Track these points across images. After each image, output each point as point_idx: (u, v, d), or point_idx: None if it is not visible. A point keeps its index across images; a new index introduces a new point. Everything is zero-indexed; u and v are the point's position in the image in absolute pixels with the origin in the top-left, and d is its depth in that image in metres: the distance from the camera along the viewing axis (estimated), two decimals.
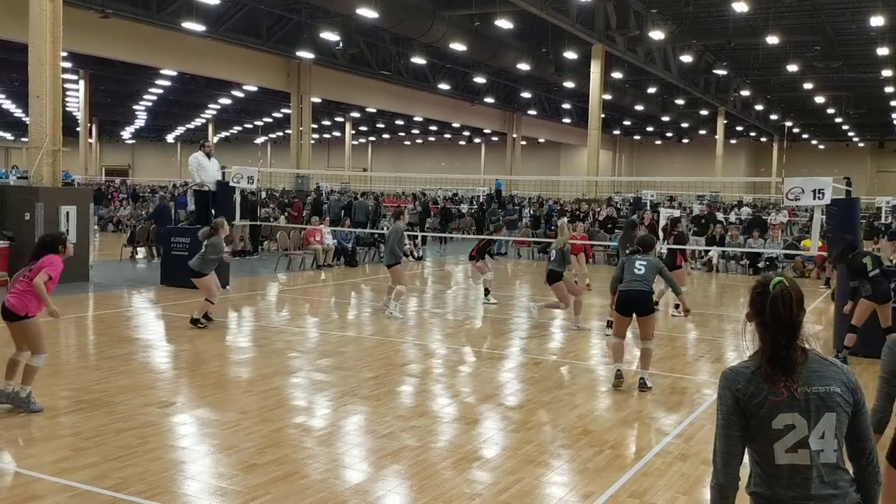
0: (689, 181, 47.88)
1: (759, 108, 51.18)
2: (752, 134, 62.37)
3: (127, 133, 71.78)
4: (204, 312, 11.19)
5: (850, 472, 2.67)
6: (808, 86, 40.77)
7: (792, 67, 34.65)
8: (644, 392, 8.33)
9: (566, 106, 51.44)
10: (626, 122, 59.99)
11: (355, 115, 55.35)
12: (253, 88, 40.62)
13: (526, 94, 46.92)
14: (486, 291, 14.74)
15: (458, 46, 29.00)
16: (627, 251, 9.38)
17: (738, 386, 2.63)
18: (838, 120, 52.10)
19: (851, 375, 2.68)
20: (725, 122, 51.12)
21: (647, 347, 8.64)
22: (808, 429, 2.57)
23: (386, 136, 70.52)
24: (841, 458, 2.62)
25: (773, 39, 29.14)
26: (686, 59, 34.55)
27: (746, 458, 2.70)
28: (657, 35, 29.68)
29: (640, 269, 8.44)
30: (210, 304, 11.21)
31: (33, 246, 7.16)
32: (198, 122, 61.75)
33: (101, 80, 42.45)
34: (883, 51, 29.55)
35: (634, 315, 8.52)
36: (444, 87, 40.32)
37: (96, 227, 21.92)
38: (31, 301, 6.76)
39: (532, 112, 51.49)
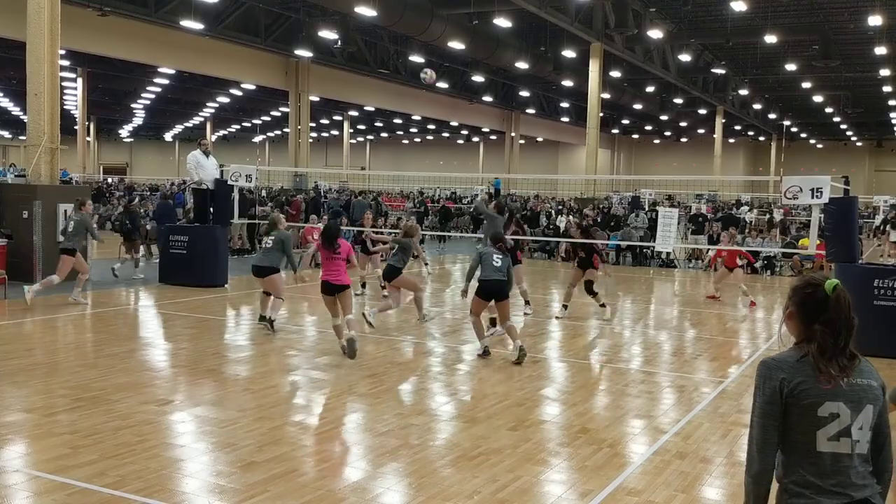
0: (688, 180, 47.92)
1: (757, 107, 51.21)
2: (751, 133, 62.43)
3: (125, 131, 71.71)
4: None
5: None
6: (806, 85, 40.81)
7: (790, 66, 34.69)
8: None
9: (564, 105, 51.44)
10: (625, 121, 60.02)
11: (353, 113, 55.33)
12: (251, 87, 40.59)
13: (524, 93, 46.92)
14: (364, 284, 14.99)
15: (456, 45, 28.99)
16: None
17: (782, 375, 2.68)
18: (836, 119, 52.15)
19: (879, 374, 2.80)
20: (724, 121, 51.15)
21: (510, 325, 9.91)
22: (852, 418, 2.65)
23: (384, 134, 70.50)
24: (870, 452, 2.74)
25: (771, 38, 29.18)
26: (684, 58, 34.57)
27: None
28: (655, 34, 29.70)
29: (497, 262, 9.73)
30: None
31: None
32: (196, 120, 61.71)
33: (99, 79, 42.41)
34: (881, 50, 29.58)
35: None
36: (442, 85, 40.30)
37: (94, 225, 21.91)
38: (346, 275, 9.58)
39: (530, 111, 51.49)
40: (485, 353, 9.83)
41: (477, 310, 9.95)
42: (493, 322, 10.84)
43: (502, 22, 26.87)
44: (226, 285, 15.48)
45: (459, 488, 5.41)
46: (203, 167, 15.75)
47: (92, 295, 14.09)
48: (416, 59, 35.10)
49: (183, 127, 66.96)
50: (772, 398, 2.68)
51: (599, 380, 9.12)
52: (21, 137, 45.40)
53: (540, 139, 62.72)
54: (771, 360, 2.74)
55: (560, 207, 30.15)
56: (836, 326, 2.67)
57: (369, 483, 5.51)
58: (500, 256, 9.83)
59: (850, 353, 2.69)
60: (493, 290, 9.74)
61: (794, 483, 2.69)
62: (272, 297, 11.00)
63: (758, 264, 21.67)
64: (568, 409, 7.62)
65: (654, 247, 22.38)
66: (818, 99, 44.71)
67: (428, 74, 15.45)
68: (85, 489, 5.18)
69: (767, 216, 29.06)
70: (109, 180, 52.32)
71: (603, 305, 13.08)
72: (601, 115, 33.57)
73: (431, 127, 62.57)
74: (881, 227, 32.65)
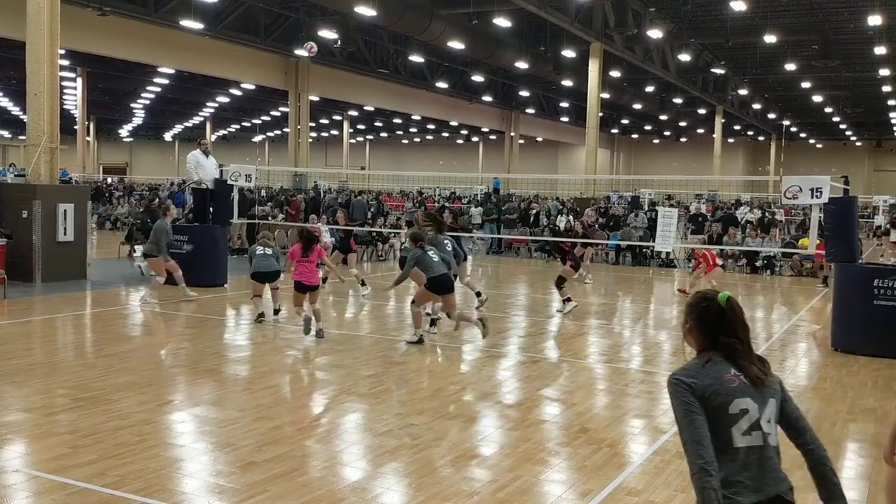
0: (687, 180, 47.91)
1: (756, 107, 51.20)
2: (750, 133, 62.42)
3: (125, 131, 71.66)
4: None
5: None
6: (805, 85, 40.80)
7: (790, 66, 34.68)
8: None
9: (564, 104, 51.43)
10: (624, 121, 59.99)
11: (353, 113, 55.31)
12: (251, 86, 40.57)
13: (524, 93, 46.90)
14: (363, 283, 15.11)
15: (456, 45, 28.98)
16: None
17: (692, 381, 2.84)
18: (836, 119, 52.14)
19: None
20: (723, 120, 51.15)
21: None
22: (759, 412, 2.83)
23: (384, 134, 70.47)
24: (779, 444, 2.89)
25: (770, 38, 29.17)
26: (684, 57, 34.56)
27: None
28: (655, 34, 29.70)
29: (435, 258, 10.39)
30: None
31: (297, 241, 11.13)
32: (196, 120, 61.67)
33: (98, 78, 42.39)
34: (880, 50, 29.58)
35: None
36: (442, 85, 40.29)
37: (94, 224, 22.03)
38: (317, 276, 10.76)
39: (530, 111, 51.47)
40: (419, 342, 10.33)
41: (422, 301, 10.51)
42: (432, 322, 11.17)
43: (502, 22, 26.86)
44: (225, 285, 15.48)
45: (459, 488, 5.41)
46: (203, 167, 15.75)
47: (91, 294, 14.10)
48: (416, 58, 35.07)
49: (183, 127, 66.92)
50: (689, 398, 2.81)
51: (599, 379, 9.12)
52: (21, 137, 45.34)
53: (539, 139, 62.70)
54: (678, 371, 2.90)
55: (561, 207, 30.12)
56: (737, 331, 2.91)
57: (369, 483, 5.51)
58: (434, 252, 10.46)
59: (757, 355, 2.92)
60: (443, 284, 10.31)
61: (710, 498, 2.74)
62: (264, 294, 12.01)
63: (758, 264, 21.66)
64: (567, 409, 7.62)
65: (653, 247, 22.38)
66: (818, 99, 44.70)
67: (309, 46, 15.67)
68: (84, 489, 5.18)
69: (758, 215, 29.01)
70: (109, 180, 52.31)
71: (568, 300, 13.37)
72: (601, 114, 33.55)
73: (431, 127, 62.54)
74: (882, 228, 32.67)
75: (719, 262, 16.06)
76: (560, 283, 13.42)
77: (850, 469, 6.25)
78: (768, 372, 2.91)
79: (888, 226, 28.34)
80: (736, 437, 2.80)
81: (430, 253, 10.37)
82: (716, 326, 2.92)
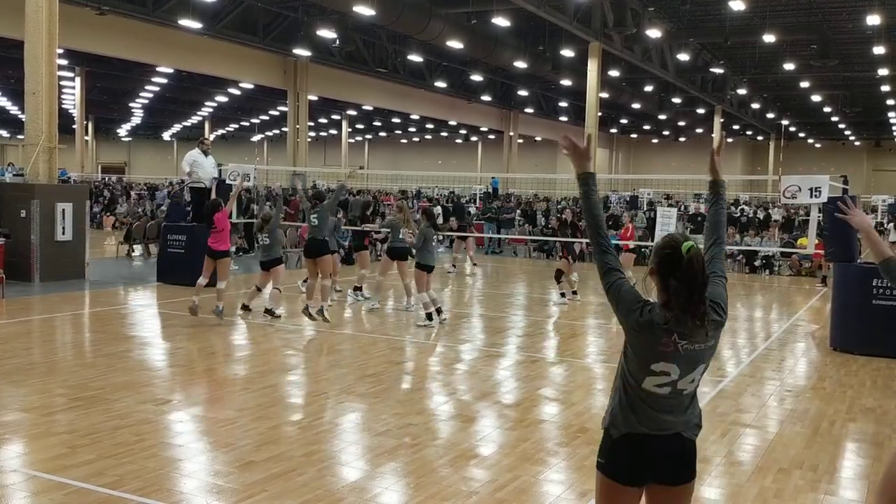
0: (686, 179, 47.87)
1: (755, 106, 51.17)
2: (749, 133, 62.40)
3: (123, 130, 71.59)
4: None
5: (699, 407, 3.13)
6: (804, 84, 40.79)
7: (788, 66, 34.67)
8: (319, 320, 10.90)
9: (563, 104, 51.42)
10: (623, 121, 59.94)
11: (352, 112, 55.27)
12: (249, 86, 40.52)
13: (523, 92, 46.88)
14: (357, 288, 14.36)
15: (454, 44, 28.95)
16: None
17: (647, 307, 2.98)
18: (835, 119, 52.13)
19: (724, 298, 3.12)
20: (722, 120, 51.12)
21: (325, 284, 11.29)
22: (680, 376, 2.98)
23: (382, 134, 70.43)
24: (695, 393, 3.08)
25: (769, 38, 29.15)
26: (683, 57, 34.55)
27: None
28: (654, 33, 29.68)
29: (314, 221, 11.11)
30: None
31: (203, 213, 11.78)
32: (194, 119, 61.61)
33: (97, 78, 42.30)
34: (879, 49, 29.56)
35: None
36: (440, 84, 40.26)
37: (94, 222, 22.04)
38: (225, 243, 11.25)
39: (529, 110, 51.45)
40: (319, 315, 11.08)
41: (309, 272, 11.44)
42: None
43: (501, 21, 26.84)
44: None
45: (458, 488, 5.41)
46: (201, 166, 15.73)
47: (90, 294, 14.08)
48: (415, 58, 35.04)
49: (181, 126, 66.87)
50: (628, 288, 3.03)
51: (598, 379, 9.11)
52: (19, 137, 45.33)
53: (538, 138, 62.68)
54: (643, 297, 3.04)
55: (565, 205, 30.12)
56: (689, 283, 2.92)
57: (368, 483, 5.50)
58: (316, 215, 11.22)
59: (703, 311, 2.93)
60: (307, 249, 11.24)
61: (615, 417, 3.07)
62: (262, 289, 12.10)
63: (757, 262, 21.65)
64: (566, 409, 7.62)
65: (652, 246, 22.34)
66: (816, 98, 44.69)
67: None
68: (83, 489, 5.18)
69: (749, 214, 29.02)
70: (107, 179, 52.25)
71: (563, 294, 14.55)
72: (600, 114, 33.52)
73: (430, 126, 62.52)
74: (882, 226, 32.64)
75: (630, 245, 16.78)
76: (559, 276, 14.47)
77: (849, 469, 6.24)
78: (714, 336, 2.98)
79: (890, 225, 28.34)
80: (648, 384, 2.97)
81: (312, 216, 11.31)
82: (673, 272, 2.95)
